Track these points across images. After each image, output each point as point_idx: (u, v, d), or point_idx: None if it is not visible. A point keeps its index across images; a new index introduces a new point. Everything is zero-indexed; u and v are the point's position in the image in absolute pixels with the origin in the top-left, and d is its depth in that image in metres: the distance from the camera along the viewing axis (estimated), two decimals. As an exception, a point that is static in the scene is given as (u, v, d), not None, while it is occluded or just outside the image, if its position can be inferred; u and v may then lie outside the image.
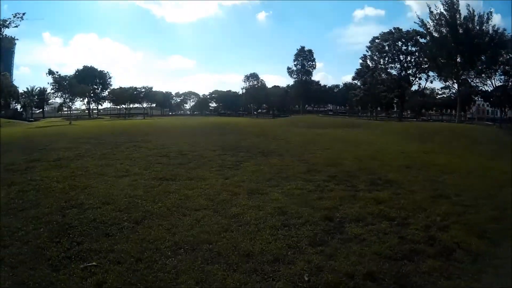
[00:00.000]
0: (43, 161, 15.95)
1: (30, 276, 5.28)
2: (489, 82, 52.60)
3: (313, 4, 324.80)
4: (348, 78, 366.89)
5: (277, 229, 7.09)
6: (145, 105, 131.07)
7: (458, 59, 47.40)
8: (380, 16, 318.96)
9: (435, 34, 49.03)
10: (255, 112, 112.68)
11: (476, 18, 46.72)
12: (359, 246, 6.35)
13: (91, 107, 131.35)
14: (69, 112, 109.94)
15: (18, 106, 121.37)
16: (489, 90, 52.78)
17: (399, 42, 59.40)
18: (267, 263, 5.64)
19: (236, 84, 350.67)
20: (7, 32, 76.20)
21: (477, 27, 46.99)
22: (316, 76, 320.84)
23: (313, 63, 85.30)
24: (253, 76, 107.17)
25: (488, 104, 65.20)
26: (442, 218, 8.07)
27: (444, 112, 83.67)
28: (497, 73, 51.77)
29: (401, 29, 61.82)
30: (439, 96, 77.29)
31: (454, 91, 58.58)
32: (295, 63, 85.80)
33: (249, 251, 6.03)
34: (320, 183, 11.30)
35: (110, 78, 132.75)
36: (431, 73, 60.42)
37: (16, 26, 73.64)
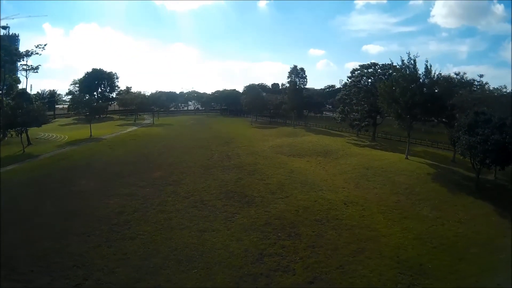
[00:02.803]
0: (125, 215, 34.18)
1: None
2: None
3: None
4: (350, 65, 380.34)
5: (242, 256, 25.47)
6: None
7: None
8: (382, 4, 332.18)
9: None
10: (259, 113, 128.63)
11: (433, 73, 59.59)
12: (261, 263, 24.52)
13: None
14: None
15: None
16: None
17: (374, 77, 75.85)
18: (232, 266, 23.92)
19: (238, 72, 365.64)
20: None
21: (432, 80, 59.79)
22: (319, 64, 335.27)
23: (305, 80, 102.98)
24: (253, 87, 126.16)
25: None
26: (301, 259, 26.00)
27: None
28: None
29: (377, 64, 79.06)
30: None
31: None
32: (288, 80, 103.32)
33: (232, 262, 24.32)
34: (266, 234, 29.56)
35: (117, 78, 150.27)
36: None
37: (38, 54, 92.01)
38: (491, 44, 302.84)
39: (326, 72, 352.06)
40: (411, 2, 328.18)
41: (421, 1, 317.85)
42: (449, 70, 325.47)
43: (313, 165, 55.71)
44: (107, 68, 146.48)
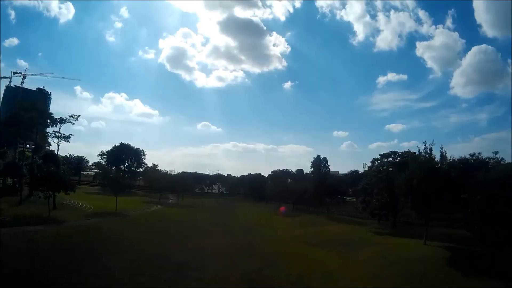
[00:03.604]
0: None
1: None
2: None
3: (338, 74, 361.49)
4: (374, 146, 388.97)
5: None
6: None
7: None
8: (403, 81, 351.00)
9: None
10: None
11: (448, 159, 64.48)
12: None
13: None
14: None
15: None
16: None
17: (393, 166, 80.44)
18: None
19: (262, 152, 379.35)
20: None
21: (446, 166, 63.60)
22: (342, 146, 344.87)
23: (327, 168, 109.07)
24: (277, 176, 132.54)
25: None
26: None
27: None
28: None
29: (396, 152, 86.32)
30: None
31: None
32: (312, 169, 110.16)
33: None
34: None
35: (144, 155, 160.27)
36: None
37: (71, 123, 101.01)
38: (510, 107, 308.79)
39: (350, 154, 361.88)
40: (431, 76, 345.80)
41: (439, 74, 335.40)
42: (471, 141, 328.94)
43: (333, 256, 57.85)
44: (131, 139, 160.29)
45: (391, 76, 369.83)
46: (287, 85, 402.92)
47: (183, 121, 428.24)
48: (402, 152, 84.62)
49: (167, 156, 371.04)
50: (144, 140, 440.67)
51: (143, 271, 44.23)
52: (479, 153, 71.41)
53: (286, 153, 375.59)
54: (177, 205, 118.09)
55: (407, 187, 61.10)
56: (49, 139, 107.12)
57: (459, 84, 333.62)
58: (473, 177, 61.19)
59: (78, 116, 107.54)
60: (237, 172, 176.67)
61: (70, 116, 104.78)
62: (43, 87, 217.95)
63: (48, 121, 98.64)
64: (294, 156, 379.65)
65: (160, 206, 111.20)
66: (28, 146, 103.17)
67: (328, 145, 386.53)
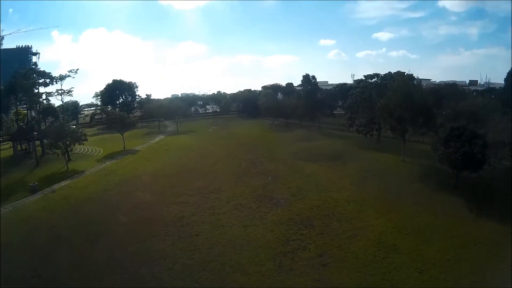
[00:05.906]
0: (185, 218, 50.59)
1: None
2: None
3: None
4: (361, 54, 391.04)
5: (275, 241, 41.02)
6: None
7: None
8: None
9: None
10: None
11: (421, 88, 74.12)
12: (288, 245, 39.92)
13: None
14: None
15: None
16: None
17: (377, 87, 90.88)
18: (269, 247, 39.42)
19: (248, 65, 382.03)
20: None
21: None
22: (329, 55, 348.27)
23: (316, 86, 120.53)
24: (269, 94, 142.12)
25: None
26: (314, 242, 41.31)
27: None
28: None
29: (379, 74, 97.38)
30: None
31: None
32: (302, 87, 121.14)
33: (269, 245, 39.89)
34: (290, 226, 45.02)
35: (137, 87, 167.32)
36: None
37: (71, 77, 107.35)
38: (501, 25, 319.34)
39: (338, 62, 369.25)
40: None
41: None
42: (461, 54, 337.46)
43: (324, 169, 70.05)
44: (118, 71, 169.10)
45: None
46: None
47: (166, 43, 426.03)
48: (384, 74, 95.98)
49: (156, 82, 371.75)
50: (130, 69, 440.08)
51: (172, 200, 55.93)
52: (454, 83, 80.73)
53: (273, 63, 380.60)
54: (177, 132, 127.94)
55: (385, 111, 71.70)
56: (53, 97, 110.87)
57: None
58: (445, 105, 71.49)
59: (77, 69, 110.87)
60: (227, 89, 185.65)
61: (69, 71, 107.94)
62: (36, 50, 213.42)
63: (48, 80, 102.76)
64: (281, 66, 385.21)
65: (163, 136, 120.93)
66: (18, 103, 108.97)
67: (315, 54, 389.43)
